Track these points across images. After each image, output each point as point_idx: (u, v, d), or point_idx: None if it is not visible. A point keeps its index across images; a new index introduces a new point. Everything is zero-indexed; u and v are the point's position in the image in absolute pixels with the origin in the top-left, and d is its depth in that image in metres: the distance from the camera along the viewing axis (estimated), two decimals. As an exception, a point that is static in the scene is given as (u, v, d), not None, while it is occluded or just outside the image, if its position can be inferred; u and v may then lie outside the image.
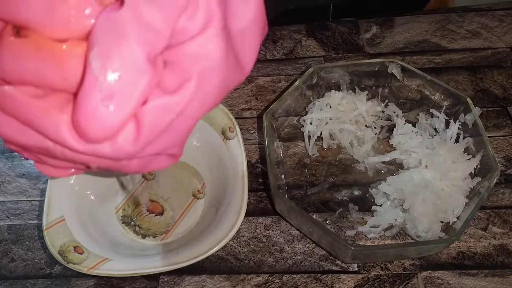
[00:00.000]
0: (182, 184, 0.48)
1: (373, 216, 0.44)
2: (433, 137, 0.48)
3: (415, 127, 0.49)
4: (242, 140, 0.46)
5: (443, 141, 0.46)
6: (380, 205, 0.45)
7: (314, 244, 0.44)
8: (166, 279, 0.43)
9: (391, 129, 0.50)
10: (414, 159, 0.46)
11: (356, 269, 0.42)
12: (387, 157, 0.48)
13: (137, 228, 0.45)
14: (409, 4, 0.66)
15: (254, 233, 0.45)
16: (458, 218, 0.42)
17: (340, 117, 0.49)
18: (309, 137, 0.50)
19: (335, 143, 0.50)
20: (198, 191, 0.47)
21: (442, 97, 0.48)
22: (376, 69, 0.50)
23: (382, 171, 0.48)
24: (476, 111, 0.45)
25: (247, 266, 0.43)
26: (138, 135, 0.18)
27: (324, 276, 0.42)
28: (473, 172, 0.44)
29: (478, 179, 0.43)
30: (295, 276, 0.42)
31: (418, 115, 0.50)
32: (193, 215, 0.46)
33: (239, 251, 0.44)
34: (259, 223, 0.46)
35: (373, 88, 0.52)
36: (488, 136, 0.45)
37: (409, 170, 0.45)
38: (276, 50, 0.60)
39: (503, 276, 0.41)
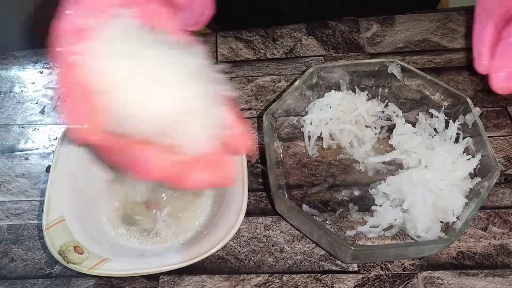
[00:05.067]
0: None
1: (373, 216, 0.44)
2: (432, 137, 0.48)
3: (415, 127, 0.49)
4: (242, 140, 0.45)
5: (442, 141, 0.46)
6: (380, 205, 0.45)
7: (314, 244, 0.44)
8: (166, 279, 0.43)
9: (391, 129, 0.50)
10: (413, 159, 0.46)
11: (356, 269, 0.42)
12: (387, 157, 0.47)
13: (137, 228, 0.45)
14: (421, 3, 0.66)
15: (254, 233, 0.45)
16: (458, 218, 0.42)
17: (340, 117, 0.49)
18: (309, 137, 0.50)
19: (335, 143, 0.50)
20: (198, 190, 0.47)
21: (442, 97, 0.48)
22: (376, 69, 0.50)
23: (382, 171, 0.48)
24: (476, 111, 0.45)
25: (247, 266, 0.43)
26: None
27: (324, 276, 0.42)
28: (473, 172, 0.44)
29: (478, 179, 0.43)
30: (295, 276, 0.42)
31: (418, 115, 0.50)
32: (193, 215, 0.46)
33: (239, 251, 0.44)
34: (259, 223, 0.46)
35: (373, 88, 0.52)
36: (488, 136, 0.45)
37: (408, 170, 0.45)
38: (276, 49, 0.60)
39: (503, 276, 0.41)
